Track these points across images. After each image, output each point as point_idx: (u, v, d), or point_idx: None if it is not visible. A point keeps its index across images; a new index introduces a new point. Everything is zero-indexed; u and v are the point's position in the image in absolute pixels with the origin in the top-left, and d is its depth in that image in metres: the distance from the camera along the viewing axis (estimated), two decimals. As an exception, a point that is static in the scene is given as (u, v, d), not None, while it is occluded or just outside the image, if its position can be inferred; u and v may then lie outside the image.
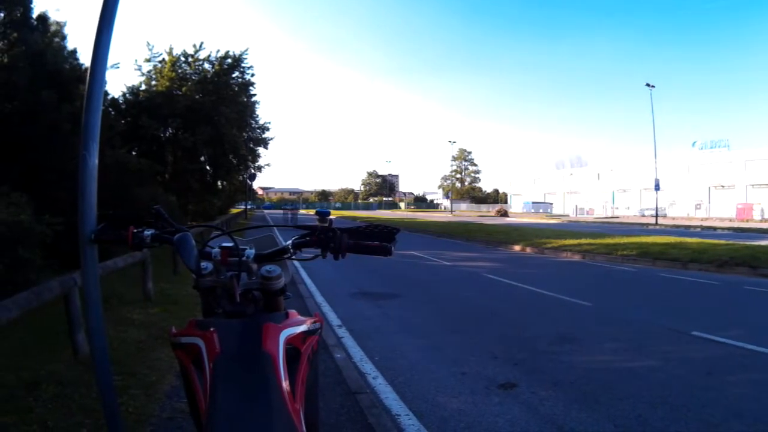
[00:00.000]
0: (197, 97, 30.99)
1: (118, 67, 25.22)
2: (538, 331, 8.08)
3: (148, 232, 2.25)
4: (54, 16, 16.59)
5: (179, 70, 32.00)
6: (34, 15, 15.78)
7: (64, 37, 17.07)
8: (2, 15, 14.91)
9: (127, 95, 31.09)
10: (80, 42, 61.87)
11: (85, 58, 17.38)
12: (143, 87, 31.83)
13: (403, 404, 5.19)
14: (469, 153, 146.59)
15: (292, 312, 2.03)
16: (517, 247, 23.19)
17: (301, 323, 1.96)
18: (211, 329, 1.78)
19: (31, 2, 15.50)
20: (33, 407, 4.59)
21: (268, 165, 63.33)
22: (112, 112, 27.24)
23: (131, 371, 5.65)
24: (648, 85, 51.81)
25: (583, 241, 21.90)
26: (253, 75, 34.74)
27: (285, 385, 1.67)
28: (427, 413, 4.97)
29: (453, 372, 6.16)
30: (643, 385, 5.62)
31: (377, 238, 2.21)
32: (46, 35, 15.74)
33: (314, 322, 2.05)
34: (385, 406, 5.15)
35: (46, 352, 6.20)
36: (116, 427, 2.87)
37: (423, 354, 6.95)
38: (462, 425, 4.71)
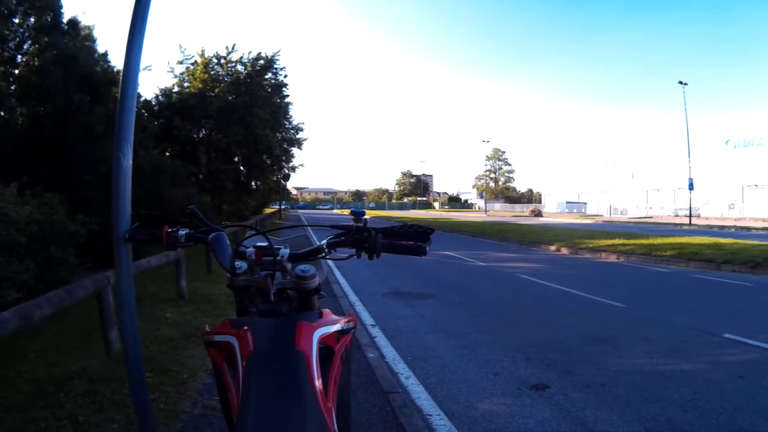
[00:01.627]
0: (230, 98, 31.25)
1: (150, 70, 25.50)
2: (571, 332, 8.01)
3: (182, 232, 2.27)
4: (82, 20, 16.85)
5: (212, 72, 32.29)
6: (65, 19, 16.01)
7: (94, 41, 17.33)
8: (32, 20, 15.15)
9: (160, 97, 31.50)
10: (109, 44, 62.73)
11: (117, 61, 17.62)
12: (176, 89, 32.23)
13: (434, 404, 5.17)
14: (503, 152, 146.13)
15: (326, 311, 2.02)
16: (551, 248, 23.03)
17: (334, 322, 1.95)
18: (245, 327, 1.78)
19: (61, 7, 15.75)
20: (64, 402, 4.66)
21: (301, 165, 64.01)
22: (145, 114, 27.63)
23: (163, 368, 5.70)
24: (681, 82, 51.05)
25: (617, 241, 21.65)
26: (285, 76, 35.08)
27: (318, 384, 1.66)
28: (459, 414, 4.96)
29: (485, 373, 6.13)
30: (675, 388, 5.55)
31: (412, 238, 2.20)
32: (77, 39, 15.99)
33: (348, 321, 2.04)
34: (417, 406, 5.15)
35: (79, 349, 6.30)
36: (147, 423, 2.89)
37: (456, 354, 6.92)
38: (493, 426, 4.69)
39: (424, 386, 5.69)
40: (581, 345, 7.27)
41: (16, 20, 14.99)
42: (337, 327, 1.94)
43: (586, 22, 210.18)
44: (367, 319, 8.91)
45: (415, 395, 5.43)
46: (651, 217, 61.87)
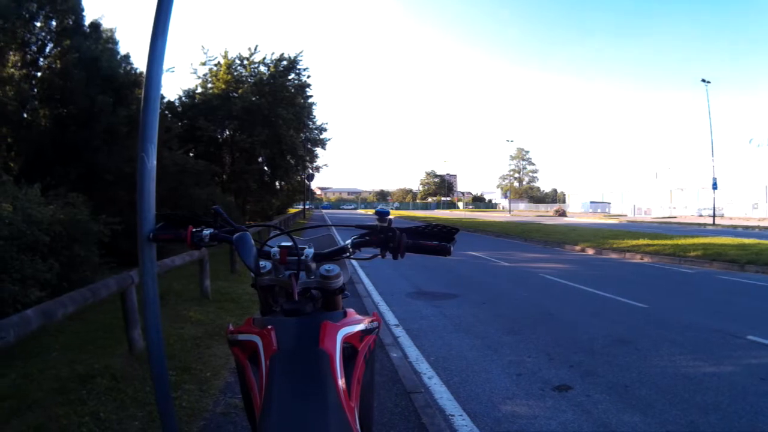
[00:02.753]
0: (254, 99, 31.29)
1: (173, 71, 25.72)
2: (595, 332, 7.95)
3: (206, 232, 2.29)
4: (103, 22, 17.05)
5: (235, 73, 32.40)
6: (86, 22, 16.19)
7: (116, 43, 17.50)
8: (54, 23, 15.33)
9: (183, 98, 31.73)
10: (132, 47, 63.37)
11: (139, 63, 17.79)
12: (199, 90, 32.37)
13: (457, 404, 5.17)
14: (527, 152, 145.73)
15: (350, 311, 2.04)
16: (575, 248, 22.90)
17: (358, 322, 1.96)
18: (269, 327, 1.79)
19: (82, 10, 15.93)
20: (86, 399, 4.70)
21: (325, 165, 64.29)
22: (169, 115, 27.83)
23: (186, 367, 5.76)
24: (704, 80, 50.51)
25: (641, 241, 21.48)
26: (309, 77, 35.02)
27: (341, 383, 1.67)
28: (481, 414, 4.94)
29: (508, 373, 6.11)
30: (697, 390, 5.49)
31: (436, 238, 2.20)
32: (99, 41, 16.17)
33: (372, 321, 2.05)
34: (439, 406, 5.14)
35: (102, 347, 6.36)
36: (169, 421, 2.91)
37: (479, 354, 6.91)
38: (515, 427, 4.67)
39: (446, 386, 5.68)
40: (604, 346, 7.22)
41: (38, 24, 15.17)
42: (360, 326, 1.95)
43: (607, 19, 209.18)
44: (391, 318, 8.92)
45: (437, 395, 5.43)
46: (675, 217, 61.23)
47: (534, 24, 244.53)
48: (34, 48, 15.26)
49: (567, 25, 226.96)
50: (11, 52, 14.60)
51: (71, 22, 15.47)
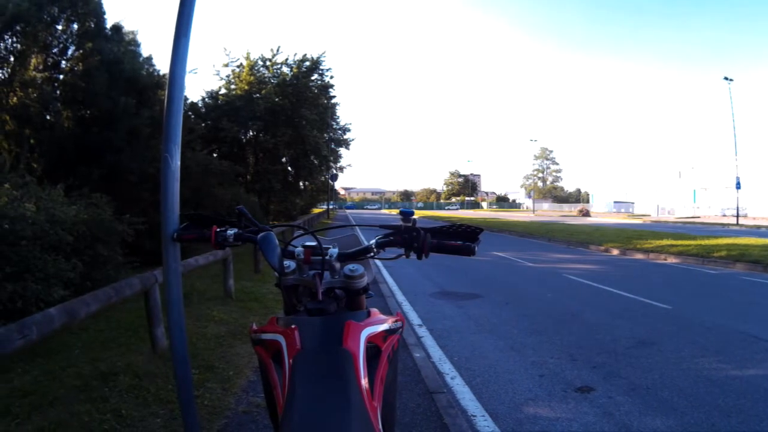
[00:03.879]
0: (277, 99, 31.46)
1: (196, 73, 25.87)
2: (618, 333, 7.89)
3: (230, 231, 2.30)
4: (124, 25, 17.25)
5: (257, 74, 32.55)
6: (108, 25, 16.38)
7: (138, 45, 17.69)
8: (75, 26, 15.49)
9: (206, 99, 31.92)
10: (154, 49, 63.88)
11: (161, 65, 17.98)
12: (222, 91, 32.56)
13: (479, 405, 5.15)
14: (551, 152, 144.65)
15: (374, 310, 2.02)
16: (599, 248, 22.77)
17: (382, 322, 1.95)
18: (293, 326, 1.79)
19: (104, 13, 16.12)
20: (108, 397, 4.73)
21: (349, 165, 64.92)
22: (192, 116, 27.97)
23: (209, 365, 5.79)
24: (726, 78, 49.89)
25: (665, 242, 21.35)
26: (332, 77, 35.19)
27: (364, 383, 1.66)
28: (503, 415, 4.92)
29: (531, 374, 6.09)
30: (719, 393, 5.43)
31: (460, 238, 2.18)
32: (121, 44, 16.34)
33: (395, 321, 2.04)
34: (462, 406, 5.13)
35: (124, 345, 6.42)
36: (191, 418, 2.93)
37: (502, 355, 6.88)
38: (537, 428, 4.65)
39: (469, 387, 5.67)
40: (627, 347, 7.17)
41: (59, 27, 15.34)
42: (384, 326, 1.94)
43: (631, 17, 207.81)
44: (414, 318, 8.91)
45: (460, 395, 5.42)
46: (698, 217, 60.65)
47: (556, 16, 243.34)
48: (56, 51, 15.45)
49: (588, 21, 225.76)
50: (33, 56, 14.78)
51: (93, 25, 15.65)
